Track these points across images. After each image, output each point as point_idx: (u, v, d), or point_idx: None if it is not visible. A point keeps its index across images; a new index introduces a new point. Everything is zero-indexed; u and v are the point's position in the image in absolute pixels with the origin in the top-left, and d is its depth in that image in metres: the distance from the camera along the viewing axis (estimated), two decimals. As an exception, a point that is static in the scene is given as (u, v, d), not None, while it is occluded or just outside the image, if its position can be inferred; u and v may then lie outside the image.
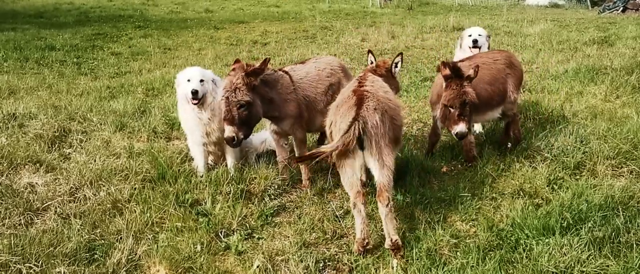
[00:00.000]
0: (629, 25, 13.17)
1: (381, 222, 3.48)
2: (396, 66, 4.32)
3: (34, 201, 3.98)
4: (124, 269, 3.23)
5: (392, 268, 3.26)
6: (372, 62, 4.34)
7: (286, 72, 4.34)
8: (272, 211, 4.00)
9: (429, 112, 5.85)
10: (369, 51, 4.43)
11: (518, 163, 4.61)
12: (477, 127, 5.65)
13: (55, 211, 3.89)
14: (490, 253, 3.32)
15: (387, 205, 3.33)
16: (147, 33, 13.83)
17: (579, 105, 6.17)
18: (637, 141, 4.81)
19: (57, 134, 5.39)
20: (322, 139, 5.05)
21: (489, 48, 5.88)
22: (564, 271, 3.08)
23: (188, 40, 12.79)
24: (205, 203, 4.03)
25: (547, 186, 4.18)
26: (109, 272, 3.20)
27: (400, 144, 3.99)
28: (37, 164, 4.61)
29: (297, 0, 23.63)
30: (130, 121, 5.90)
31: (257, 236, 3.70)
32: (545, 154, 4.72)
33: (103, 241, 3.51)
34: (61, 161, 4.82)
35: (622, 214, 3.53)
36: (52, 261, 3.19)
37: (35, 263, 3.16)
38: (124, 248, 3.34)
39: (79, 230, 3.56)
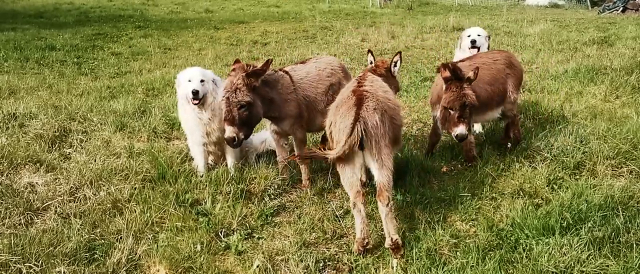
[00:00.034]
0: (628, 25, 13.17)
1: (381, 222, 3.48)
2: (395, 65, 4.32)
3: (34, 201, 3.98)
4: (124, 269, 3.23)
5: (392, 267, 3.26)
6: (371, 62, 4.34)
7: (286, 72, 4.34)
8: (272, 211, 4.00)
9: (429, 112, 5.85)
10: (369, 51, 4.43)
11: (518, 163, 4.62)
12: (477, 127, 5.65)
13: (55, 211, 3.89)
14: (490, 253, 3.32)
15: (387, 205, 3.33)
16: (147, 33, 13.84)
17: (579, 105, 6.18)
18: (637, 141, 4.82)
19: (57, 134, 5.39)
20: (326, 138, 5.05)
21: (488, 48, 5.89)
22: (564, 271, 3.08)
23: (188, 40, 12.80)
24: (205, 203, 4.03)
25: (547, 186, 4.18)
26: (109, 272, 3.20)
27: (400, 144, 3.99)
28: (37, 164, 4.61)
29: (297, 0, 23.63)
30: (130, 121, 5.90)
31: (257, 236, 3.70)
32: (545, 154, 4.73)
33: (103, 241, 3.51)
34: (61, 160, 4.82)
35: (622, 214, 3.53)
36: (52, 260, 3.19)
37: (35, 263, 3.16)
38: (124, 247, 3.34)
39: (79, 230, 3.56)
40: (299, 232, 3.69)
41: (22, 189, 4.20)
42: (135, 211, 3.79)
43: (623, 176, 4.41)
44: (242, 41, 12.55)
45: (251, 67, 3.90)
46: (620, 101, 6.41)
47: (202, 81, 4.29)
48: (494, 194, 4.16)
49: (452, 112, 4.12)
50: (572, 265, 3.10)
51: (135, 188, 4.17)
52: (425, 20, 15.64)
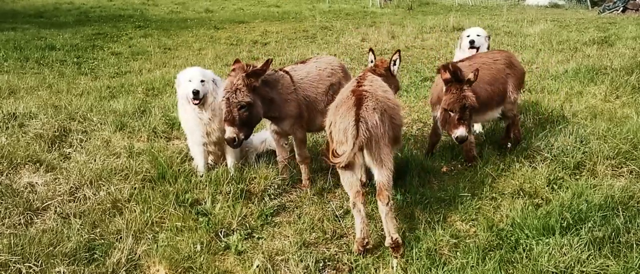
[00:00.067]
0: (629, 25, 13.17)
1: (381, 222, 3.48)
2: (394, 64, 4.32)
3: (33, 201, 3.98)
4: (124, 269, 3.23)
5: (392, 267, 3.26)
6: (372, 61, 4.35)
7: (287, 72, 4.33)
8: (272, 211, 4.00)
9: (429, 112, 5.85)
10: (370, 49, 4.43)
11: (518, 163, 4.61)
12: (477, 127, 5.65)
13: (55, 211, 3.89)
14: (490, 253, 3.32)
15: (387, 204, 3.34)
16: (147, 33, 13.83)
17: (579, 105, 6.18)
18: (637, 141, 4.81)
19: (57, 133, 5.39)
20: None
21: (488, 48, 5.88)
22: (564, 271, 3.08)
23: (188, 40, 12.79)
24: (205, 203, 4.03)
25: (547, 186, 4.18)
26: (108, 272, 3.20)
27: (400, 143, 3.99)
28: (37, 164, 4.61)
29: (297, 0, 23.63)
30: (130, 120, 5.90)
31: (257, 236, 3.70)
32: (545, 154, 4.72)
33: (103, 241, 3.51)
34: (61, 160, 4.82)
35: (622, 214, 3.53)
36: (52, 260, 3.19)
37: (35, 263, 3.16)
38: (124, 247, 3.34)
39: (78, 230, 3.56)
40: (299, 232, 3.69)
41: (22, 189, 4.20)
42: (135, 211, 3.79)
43: (623, 176, 4.40)
44: (242, 41, 12.54)
45: (251, 67, 3.89)
46: (620, 101, 6.41)
47: (202, 80, 4.29)
48: (494, 194, 4.16)
49: (452, 114, 4.12)
50: (572, 265, 3.10)
51: (135, 188, 4.16)
52: (426, 20, 15.64)
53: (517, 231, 3.49)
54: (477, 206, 3.99)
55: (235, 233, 3.68)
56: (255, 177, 4.37)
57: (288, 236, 3.66)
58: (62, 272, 3.11)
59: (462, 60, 4.90)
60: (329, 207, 4.06)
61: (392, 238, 3.32)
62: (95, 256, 3.35)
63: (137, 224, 3.67)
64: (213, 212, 3.87)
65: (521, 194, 4.12)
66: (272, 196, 4.24)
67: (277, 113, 4.18)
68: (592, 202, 3.67)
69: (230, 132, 3.83)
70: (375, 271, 3.26)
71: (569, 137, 4.99)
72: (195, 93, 4.21)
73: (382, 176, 3.37)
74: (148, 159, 4.68)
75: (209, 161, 4.82)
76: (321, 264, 3.34)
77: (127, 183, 4.25)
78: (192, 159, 4.73)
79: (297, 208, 4.11)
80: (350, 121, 3.30)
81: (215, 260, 3.41)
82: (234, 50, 11.15)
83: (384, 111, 3.47)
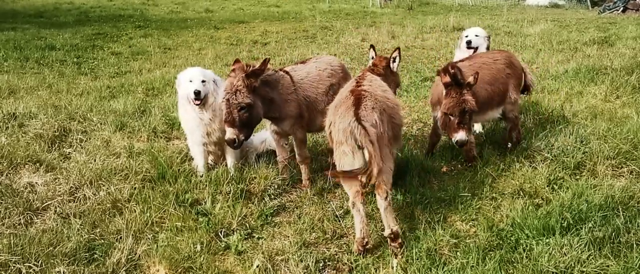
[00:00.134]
0: (629, 25, 13.17)
1: (381, 222, 3.48)
2: (394, 61, 4.33)
3: (33, 201, 3.98)
4: (124, 269, 3.23)
5: (392, 267, 3.25)
6: (373, 57, 4.36)
7: (287, 73, 4.33)
8: (272, 211, 4.00)
9: (429, 112, 5.85)
10: (371, 46, 4.44)
11: (518, 163, 4.61)
12: (477, 127, 5.65)
13: (55, 211, 3.89)
14: (490, 253, 3.32)
15: (386, 198, 3.35)
16: (147, 33, 13.83)
17: (579, 105, 6.17)
18: (637, 141, 4.81)
19: (57, 133, 5.39)
20: None
21: (488, 48, 5.88)
22: (564, 271, 3.08)
23: (188, 40, 12.79)
24: (205, 203, 4.03)
25: (547, 186, 4.18)
26: (108, 272, 3.20)
27: (399, 142, 3.99)
28: (37, 164, 4.61)
29: (297, 0, 23.62)
30: (130, 120, 5.90)
31: (257, 236, 3.70)
32: (545, 154, 4.72)
33: (103, 241, 3.51)
34: (61, 160, 4.82)
35: (622, 214, 3.53)
36: (52, 260, 3.18)
37: (35, 263, 3.16)
38: (124, 247, 3.34)
39: (78, 230, 3.56)
40: (299, 232, 3.69)
41: (22, 189, 4.20)
42: (135, 211, 3.79)
43: (623, 176, 4.40)
44: (242, 41, 12.54)
45: (250, 68, 3.89)
46: (620, 101, 6.41)
47: (203, 81, 4.29)
48: (494, 194, 4.16)
49: (452, 118, 4.12)
50: (572, 265, 3.10)
51: (135, 188, 4.16)
52: (426, 20, 15.64)
53: (517, 231, 3.49)
54: (477, 206, 3.99)
55: (235, 233, 3.68)
56: (255, 177, 4.37)
57: (288, 236, 3.66)
58: (62, 272, 3.11)
59: (462, 61, 4.90)
60: (329, 207, 4.06)
61: (391, 229, 3.35)
62: (95, 256, 3.35)
63: (137, 224, 3.67)
64: (213, 212, 3.87)
65: (521, 194, 4.12)
66: (272, 196, 4.24)
67: (277, 113, 4.18)
68: (592, 203, 3.67)
69: (230, 133, 3.83)
70: (375, 271, 3.26)
71: (569, 137, 4.98)
72: (197, 93, 4.21)
73: (382, 173, 3.37)
74: (148, 159, 4.68)
75: (209, 161, 4.82)
76: (321, 264, 3.34)
77: (127, 183, 4.25)
78: (192, 159, 4.73)
79: (297, 208, 4.11)
80: (350, 121, 3.30)
81: (215, 260, 3.40)
82: (234, 50, 11.15)
83: (383, 110, 3.47)
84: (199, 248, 3.45)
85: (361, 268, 3.30)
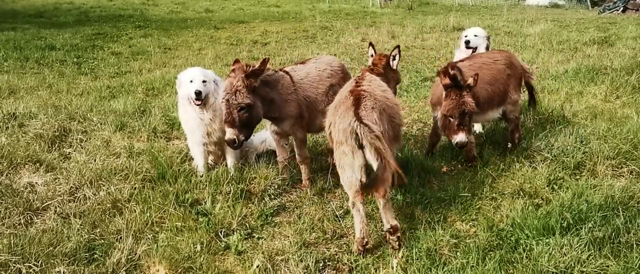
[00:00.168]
0: (629, 25, 13.17)
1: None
2: (394, 59, 4.34)
3: (33, 201, 3.98)
4: (124, 269, 3.23)
5: (392, 267, 3.25)
6: (372, 55, 4.36)
7: (287, 73, 4.33)
8: (272, 211, 4.00)
9: (429, 112, 5.85)
10: (370, 44, 4.45)
11: (518, 163, 4.61)
12: (477, 127, 5.65)
13: (55, 211, 3.88)
14: (490, 253, 3.32)
15: (384, 195, 3.36)
16: (147, 33, 13.83)
17: (579, 105, 6.17)
18: (637, 141, 4.81)
19: (57, 133, 5.39)
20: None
21: (488, 48, 5.88)
22: (564, 271, 3.08)
23: (188, 40, 12.79)
24: (205, 203, 4.03)
25: (547, 186, 4.18)
26: (108, 272, 3.19)
27: (400, 142, 3.99)
28: (37, 164, 4.61)
29: (297, 0, 23.62)
30: (130, 120, 5.90)
31: (257, 236, 3.70)
32: (545, 154, 4.72)
33: (103, 241, 3.51)
34: (61, 160, 4.82)
35: (622, 214, 3.53)
36: (52, 260, 3.18)
37: (35, 263, 3.16)
38: (124, 247, 3.34)
39: (78, 230, 3.56)
40: (299, 232, 3.69)
41: (22, 189, 4.20)
42: (135, 211, 3.79)
43: (623, 176, 4.40)
44: (242, 41, 12.54)
45: (250, 68, 3.89)
46: (620, 101, 6.41)
47: (204, 81, 4.29)
48: (494, 194, 4.16)
49: (451, 119, 4.12)
50: (572, 265, 3.10)
51: (135, 188, 4.16)
52: (426, 20, 15.64)
53: (517, 231, 3.49)
54: (477, 206, 3.99)
55: (235, 233, 3.68)
56: (255, 177, 4.37)
57: (288, 236, 3.66)
58: (62, 272, 3.11)
59: (462, 61, 4.90)
60: (329, 207, 4.06)
61: (390, 224, 3.37)
62: (95, 256, 3.35)
63: (137, 224, 3.67)
64: (213, 212, 3.87)
65: (521, 194, 4.12)
66: (272, 196, 4.24)
67: (278, 113, 4.18)
68: (592, 203, 3.67)
69: (230, 133, 3.83)
70: (375, 271, 3.26)
71: (569, 137, 4.98)
72: (198, 94, 4.21)
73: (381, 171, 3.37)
74: (148, 159, 4.68)
75: (209, 161, 4.82)
76: (321, 264, 3.34)
77: (127, 183, 4.25)
78: (192, 159, 4.73)
79: (297, 208, 4.11)
80: (350, 121, 3.30)
81: (215, 260, 3.40)
82: (234, 50, 11.15)
83: (382, 110, 3.47)
84: (199, 248, 3.45)
85: (361, 268, 3.30)
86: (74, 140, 5.30)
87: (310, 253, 3.42)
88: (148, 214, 3.78)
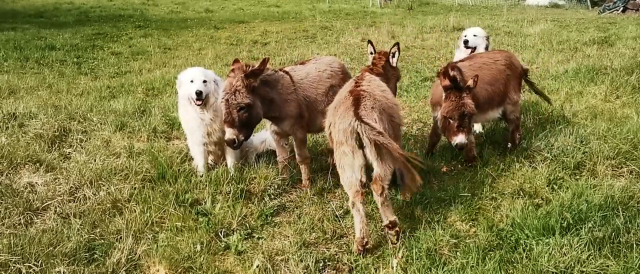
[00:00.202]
0: (629, 25, 13.17)
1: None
2: (394, 56, 4.34)
3: (33, 201, 3.98)
4: (124, 269, 3.23)
5: (392, 267, 3.25)
6: (371, 52, 4.36)
7: (287, 73, 4.33)
8: (272, 211, 4.00)
9: (429, 112, 5.85)
10: (369, 42, 4.45)
11: (518, 163, 4.61)
12: (477, 127, 5.65)
13: (55, 211, 3.88)
14: (490, 253, 3.32)
15: (382, 194, 3.38)
16: (147, 33, 13.83)
17: (579, 105, 6.17)
18: (637, 141, 4.81)
19: (57, 133, 5.39)
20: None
21: (487, 48, 5.88)
22: (564, 271, 3.08)
23: (188, 40, 12.79)
24: (205, 203, 4.03)
25: (547, 186, 4.18)
26: (108, 272, 3.19)
27: (399, 142, 3.99)
28: (37, 164, 4.61)
29: (297, 0, 23.62)
30: (130, 120, 5.90)
31: (257, 236, 3.70)
32: (545, 154, 4.72)
33: (103, 241, 3.51)
34: (61, 160, 4.82)
35: (622, 214, 3.53)
36: (52, 260, 3.18)
37: (35, 263, 3.15)
38: (124, 247, 3.34)
39: (78, 230, 3.56)
40: (299, 232, 3.69)
41: (22, 189, 4.19)
42: (135, 211, 3.79)
43: (623, 176, 4.40)
44: (242, 41, 12.54)
45: (250, 68, 3.88)
46: (620, 101, 6.41)
47: (204, 81, 4.29)
48: (494, 194, 4.16)
49: (451, 121, 4.12)
50: (572, 265, 3.10)
51: (135, 188, 4.16)
52: (426, 20, 15.64)
53: (517, 231, 3.49)
54: (477, 206, 3.99)
55: (235, 233, 3.68)
56: (255, 177, 4.37)
57: (288, 236, 3.66)
58: (62, 272, 3.11)
59: (461, 61, 4.90)
60: (329, 207, 4.06)
61: (389, 220, 3.38)
62: (95, 256, 3.35)
63: (137, 224, 3.67)
64: (213, 212, 3.87)
65: (521, 194, 4.12)
66: (272, 196, 4.24)
67: (277, 113, 4.18)
68: (592, 203, 3.67)
69: (230, 133, 3.83)
70: (375, 271, 3.26)
71: (569, 137, 4.98)
72: (198, 94, 4.21)
73: (381, 170, 3.39)
74: (148, 159, 4.68)
75: (209, 161, 4.82)
76: (321, 264, 3.34)
77: (127, 183, 4.24)
78: (192, 159, 4.73)
79: (297, 208, 4.11)
80: (351, 121, 3.30)
81: (215, 260, 3.40)
82: (234, 50, 11.15)
83: (382, 110, 3.48)
84: (199, 248, 3.45)
85: (361, 268, 3.30)
86: (74, 140, 5.30)
87: (310, 253, 3.42)
88: (148, 214, 3.78)
